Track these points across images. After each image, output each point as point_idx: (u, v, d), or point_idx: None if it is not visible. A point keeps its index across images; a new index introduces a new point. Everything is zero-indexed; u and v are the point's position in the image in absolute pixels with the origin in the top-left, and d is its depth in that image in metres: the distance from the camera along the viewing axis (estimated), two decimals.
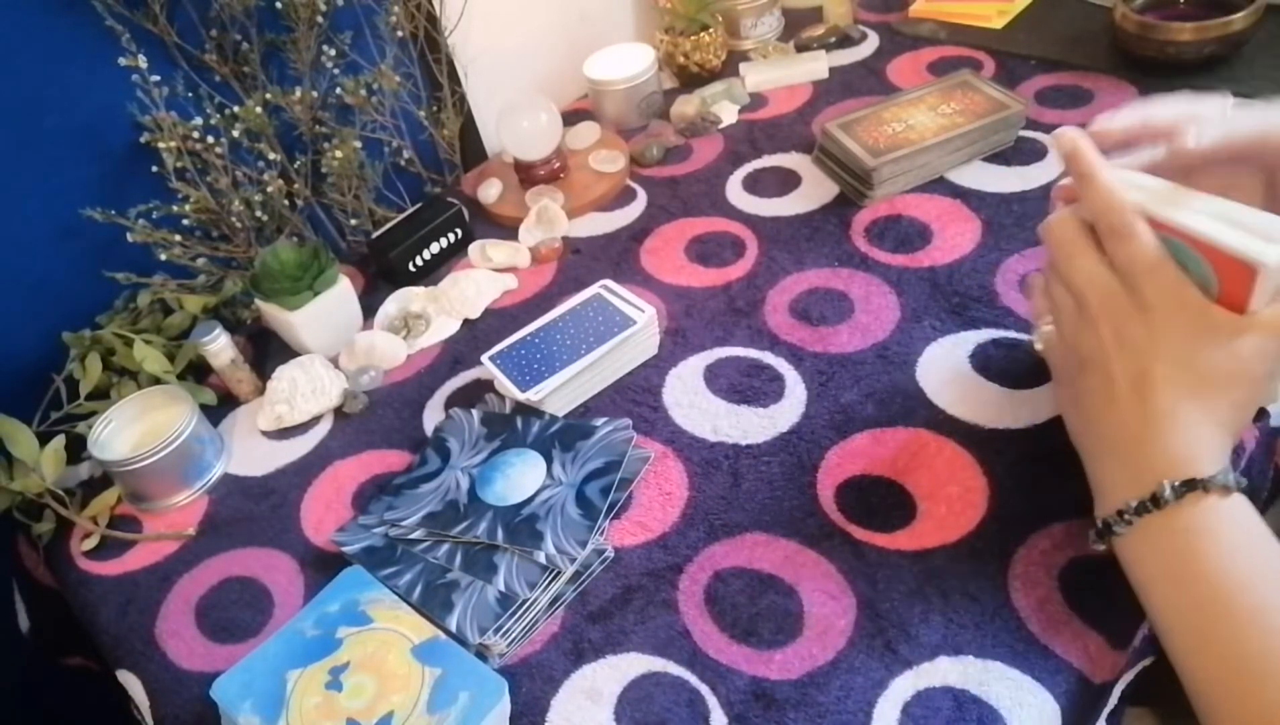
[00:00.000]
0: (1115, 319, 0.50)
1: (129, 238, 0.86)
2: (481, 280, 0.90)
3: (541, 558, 0.62)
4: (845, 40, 1.14)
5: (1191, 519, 0.47)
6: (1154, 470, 0.48)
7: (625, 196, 1.00)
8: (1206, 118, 0.54)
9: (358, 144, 0.97)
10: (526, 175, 1.02)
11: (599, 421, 0.72)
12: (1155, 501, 0.48)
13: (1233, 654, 0.44)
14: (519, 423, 0.74)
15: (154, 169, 0.87)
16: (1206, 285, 0.48)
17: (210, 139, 0.88)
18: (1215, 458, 0.48)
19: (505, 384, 0.75)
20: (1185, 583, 0.47)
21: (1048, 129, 0.91)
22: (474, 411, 0.77)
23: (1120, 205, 0.49)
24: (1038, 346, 0.60)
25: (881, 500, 0.63)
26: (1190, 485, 0.47)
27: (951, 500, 0.62)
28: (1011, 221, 0.82)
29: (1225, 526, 0.46)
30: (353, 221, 1.02)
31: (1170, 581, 0.48)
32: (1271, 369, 0.49)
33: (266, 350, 0.92)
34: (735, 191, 0.95)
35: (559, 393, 0.74)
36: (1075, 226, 0.53)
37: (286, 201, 0.96)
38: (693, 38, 1.10)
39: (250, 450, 0.82)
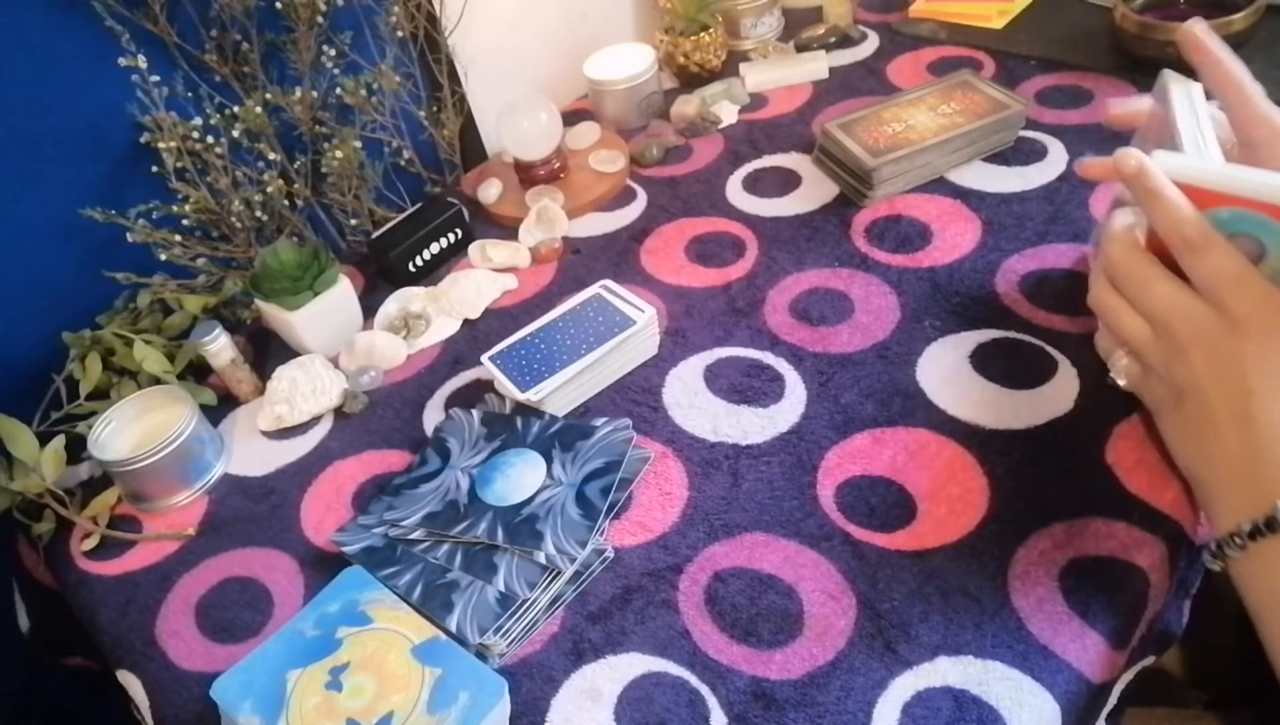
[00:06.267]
0: (1206, 344, 0.49)
1: (129, 238, 0.87)
2: (481, 280, 0.90)
3: (541, 558, 0.62)
4: (845, 40, 1.14)
5: None
6: (1266, 493, 0.47)
7: (625, 196, 1.00)
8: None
9: (358, 144, 0.97)
10: (526, 175, 1.02)
11: (599, 421, 0.72)
12: (1270, 525, 0.46)
13: None
14: (519, 423, 0.74)
15: (154, 169, 0.87)
16: None
17: (210, 139, 0.88)
18: None
19: (505, 384, 0.75)
20: None
21: (1048, 129, 0.91)
22: (474, 411, 0.77)
23: (1195, 217, 0.48)
24: (1121, 382, 0.58)
25: (881, 500, 0.64)
26: None
27: (951, 500, 0.62)
28: (1012, 221, 0.82)
29: None
30: (353, 221, 1.02)
31: None
32: None
33: (266, 350, 0.92)
34: (735, 191, 0.95)
35: (559, 393, 0.74)
36: (1139, 253, 0.51)
37: (286, 201, 0.96)
38: (693, 38, 1.10)
39: (250, 450, 0.82)
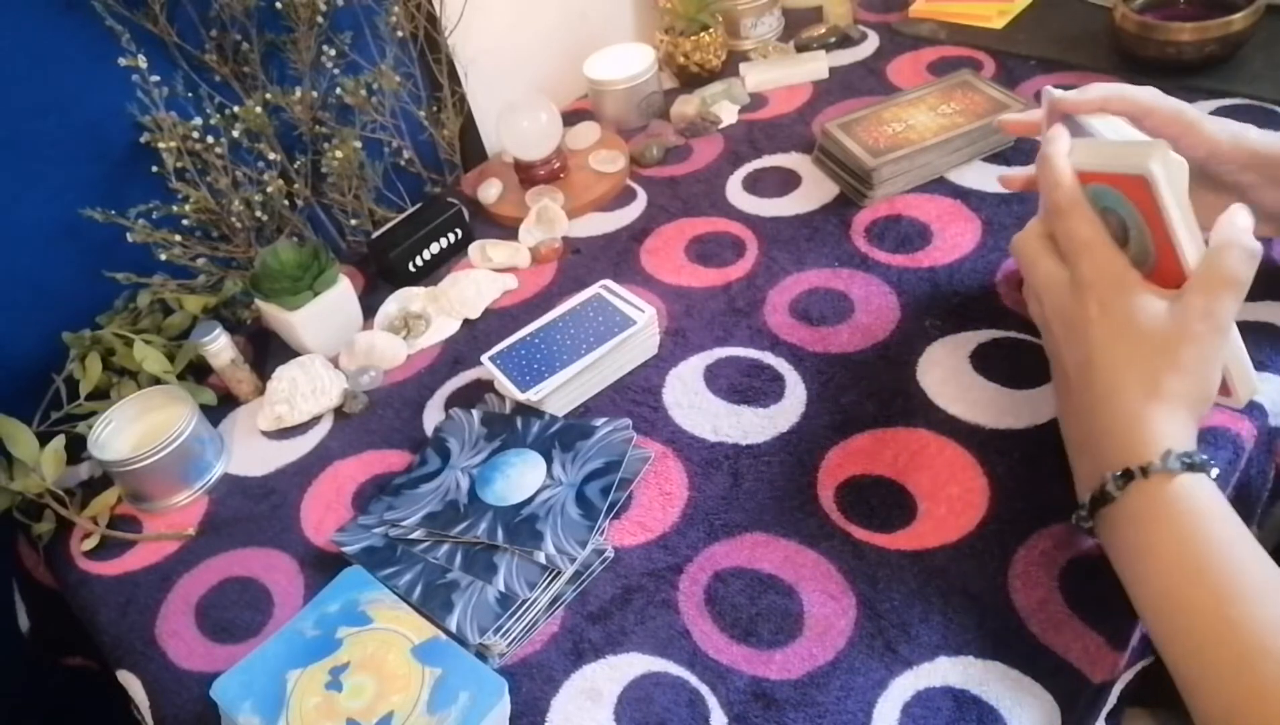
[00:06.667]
0: (1062, 311, 0.52)
1: (129, 238, 0.87)
2: (481, 280, 0.90)
3: (541, 558, 0.62)
4: (845, 40, 1.14)
5: (1139, 508, 0.47)
6: (1103, 461, 0.49)
7: (625, 196, 1.00)
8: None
9: (358, 144, 0.97)
10: (526, 175, 1.02)
11: (599, 421, 0.72)
12: (1103, 497, 0.48)
13: (1212, 622, 0.44)
14: (519, 423, 0.74)
15: (154, 169, 0.87)
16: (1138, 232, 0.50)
17: (210, 139, 0.88)
18: (1157, 440, 0.48)
19: (505, 384, 0.75)
20: (1146, 574, 0.47)
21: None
22: (474, 411, 0.77)
23: (1067, 184, 0.51)
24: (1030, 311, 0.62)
25: (881, 500, 0.64)
26: (1129, 476, 0.47)
27: (951, 500, 0.62)
28: (1012, 221, 0.82)
29: (1204, 501, 0.46)
30: (353, 221, 1.02)
31: (1133, 571, 0.48)
32: (1218, 324, 0.49)
33: (266, 350, 0.92)
34: (735, 191, 0.95)
35: (559, 393, 0.74)
36: (1034, 236, 0.55)
37: (286, 201, 0.96)
38: (693, 38, 1.10)
39: (250, 450, 0.82)
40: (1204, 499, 0.46)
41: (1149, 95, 0.59)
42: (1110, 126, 0.58)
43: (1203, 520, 0.46)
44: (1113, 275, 0.50)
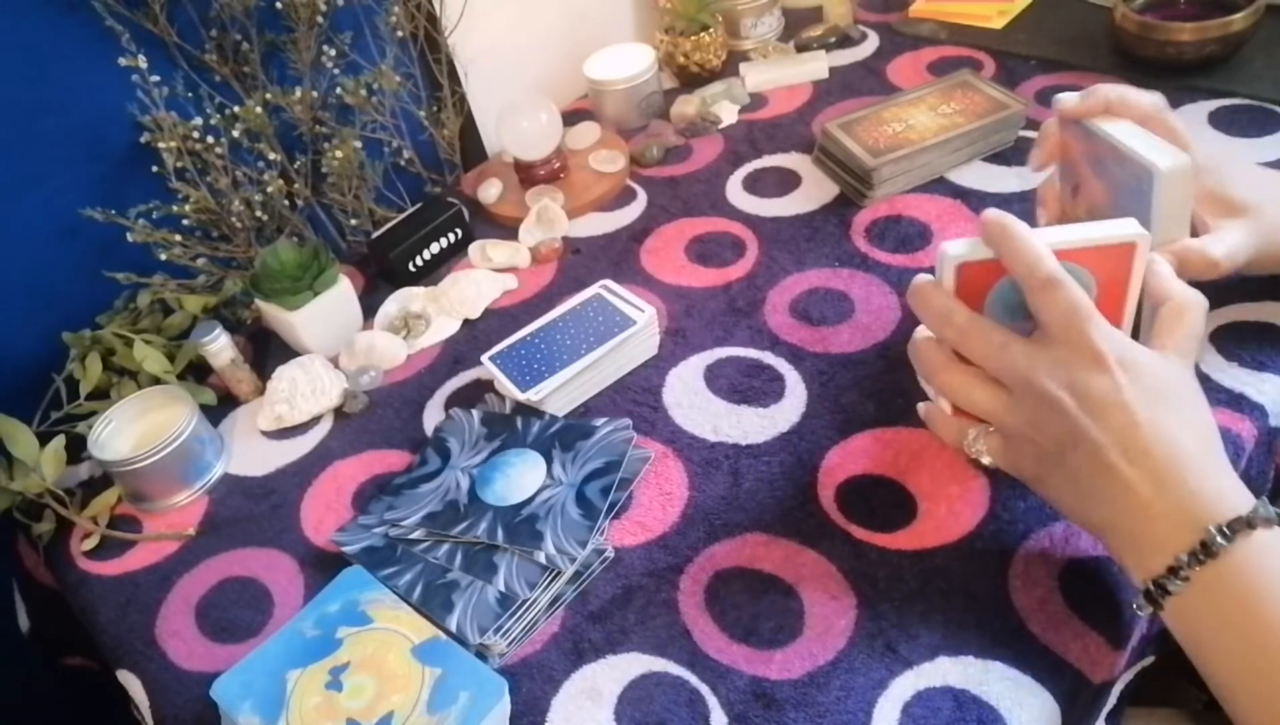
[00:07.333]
0: (1076, 387, 0.47)
1: (129, 238, 0.86)
2: (481, 280, 0.90)
3: (541, 558, 0.62)
4: (845, 40, 1.14)
5: (1244, 560, 0.44)
6: (1191, 517, 0.45)
7: (625, 196, 1.00)
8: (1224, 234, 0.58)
9: (358, 144, 0.97)
10: (526, 175, 1.02)
11: (599, 421, 0.72)
12: (1206, 549, 0.44)
13: None
14: (519, 423, 0.74)
15: (154, 169, 0.87)
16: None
17: (210, 139, 0.88)
18: (1239, 488, 0.46)
19: (505, 384, 0.75)
20: (1247, 632, 0.44)
21: None
22: (474, 411, 0.77)
23: (1050, 255, 0.47)
24: (985, 461, 0.53)
25: (881, 500, 0.63)
26: (1237, 525, 0.44)
27: (951, 500, 0.62)
28: None
29: (1275, 562, 0.44)
30: (353, 221, 1.02)
31: (1233, 634, 0.45)
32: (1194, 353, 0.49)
33: (266, 350, 0.92)
34: (735, 191, 0.95)
35: (559, 393, 0.74)
36: (983, 322, 0.50)
37: (286, 201, 0.96)
38: (693, 38, 1.10)
39: (250, 450, 0.82)
40: None
41: (1151, 105, 0.59)
42: (1120, 130, 0.58)
43: None
44: (1121, 340, 0.47)
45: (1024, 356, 0.48)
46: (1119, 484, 0.46)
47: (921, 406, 0.58)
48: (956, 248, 0.50)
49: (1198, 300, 0.49)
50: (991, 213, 0.48)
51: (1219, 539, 0.44)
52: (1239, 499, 0.45)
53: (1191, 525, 0.45)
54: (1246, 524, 0.44)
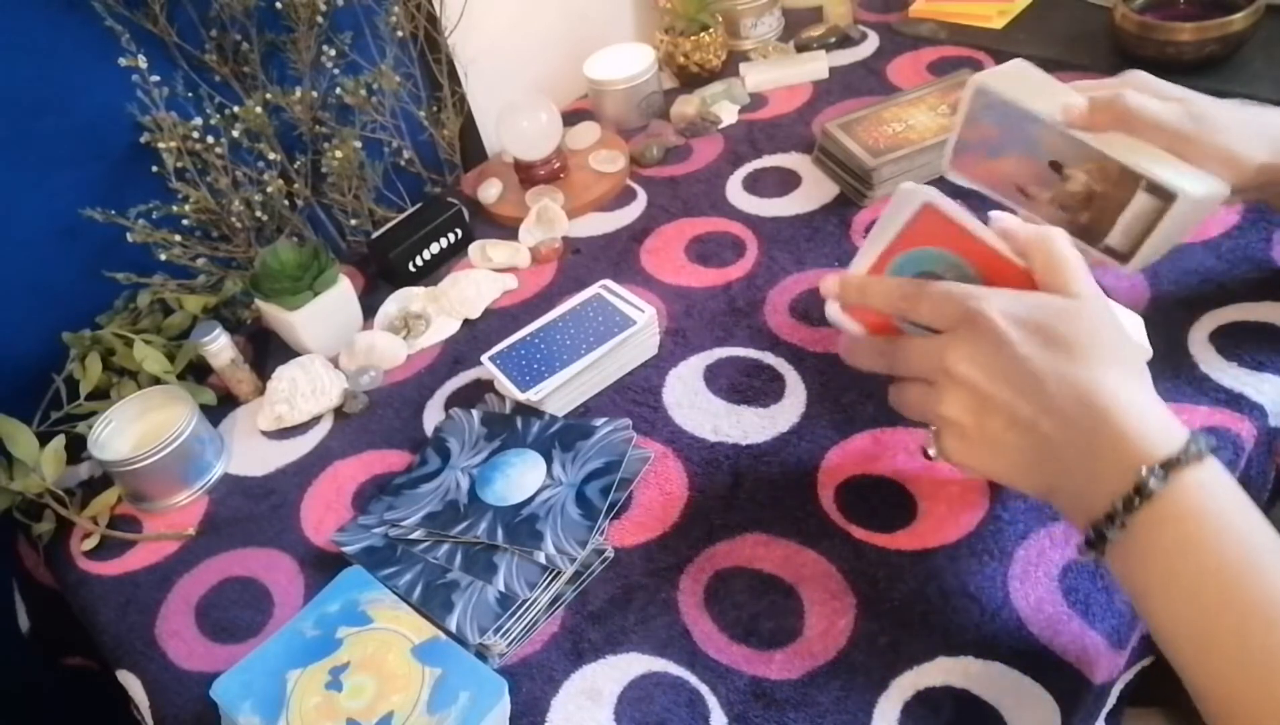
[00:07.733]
0: (975, 360, 0.48)
1: (129, 238, 0.87)
2: (481, 280, 0.90)
3: (541, 558, 0.62)
4: (845, 40, 1.14)
5: (1182, 500, 0.43)
6: (1123, 461, 0.44)
7: (625, 196, 1.00)
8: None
9: (358, 144, 0.97)
10: (526, 175, 1.02)
11: (599, 421, 0.72)
12: (1140, 492, 0.43)
13: (1239, 651, 0.42)
14: (519, 423, 0.74)
15: (154, 169, 0.87)
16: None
17: (210, 139, 0.88)
18: (1170, 425, 0.45)
19: (505, 384, 0.75)
20: (1186, 575, 0.43)
21: None
22: (474, 411, 0.77)
23: (900, 281, 0.52)
24: (939, 458, 0.53)
25: (881, 500, 0.64)
26: (1170, 465, 0.43)
27: (951, 500, 0.62)
28: None
29: (1212, 502, 0.43)
30: (353, 221, 1.02)
31: (1173, 579, 0.44)
32: (1098, 291, 0.49)
33: (266, 350, 0.92)
34: (735, 191, 0.95)
35: (559, 393, 0.74)
36: (879, 340, 0.54)
37: (286, 201, 0.96)
38: (693, 38, 1.10)
39: (250, 450, 0.82)
40: (1229, 483, 0.44)
41: (1154, 115, 0.57)
42: (1115, 148, 0.58)
43: (1235, 509, 0.43)
44: (1013, 301, 0.48)
45: (935, 351, 0.50)
46: (1045, 444, 0.47)
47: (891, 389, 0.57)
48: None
49: (1052, 231, 0.49)
50: (830, 284, 0.54)
51: (1151, 482, 0.43)
52: (1172, 436, 0.44)
53: (1125, 468, 0.44)
54: (1178, 462, 0.43)
